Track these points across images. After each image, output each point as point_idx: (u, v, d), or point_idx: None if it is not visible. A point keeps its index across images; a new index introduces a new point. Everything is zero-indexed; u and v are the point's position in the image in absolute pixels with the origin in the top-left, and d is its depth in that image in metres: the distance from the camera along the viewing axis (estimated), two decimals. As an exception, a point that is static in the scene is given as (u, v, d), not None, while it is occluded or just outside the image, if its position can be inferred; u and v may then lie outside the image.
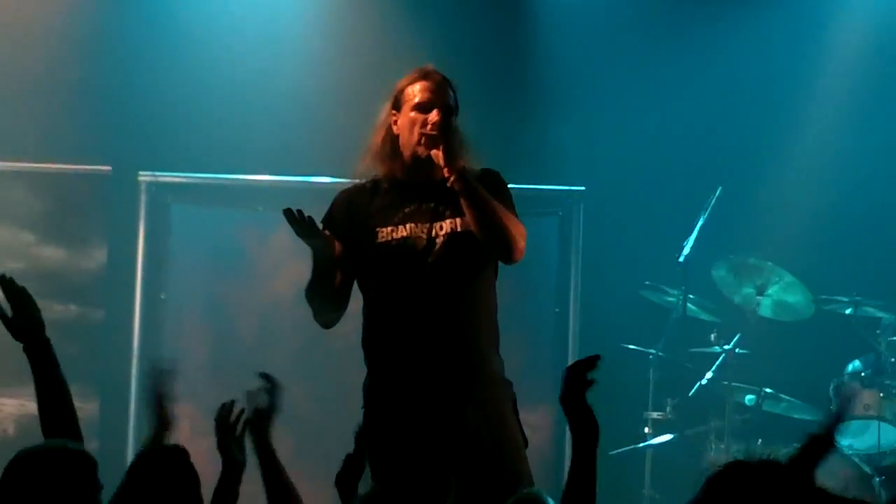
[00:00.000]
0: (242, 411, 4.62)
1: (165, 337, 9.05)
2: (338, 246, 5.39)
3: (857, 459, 8.26)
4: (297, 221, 5.16)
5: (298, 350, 8.39)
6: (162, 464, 4.28)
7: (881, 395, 8.53)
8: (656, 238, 8.99)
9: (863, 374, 8.63)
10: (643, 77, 9.54)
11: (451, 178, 5.20)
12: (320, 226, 5.33)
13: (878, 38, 9.56)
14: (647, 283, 8.85)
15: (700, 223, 8.70)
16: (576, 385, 4.11)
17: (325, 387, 8.22)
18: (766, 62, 9.54)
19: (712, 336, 8.73)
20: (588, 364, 4.11)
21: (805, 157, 9.56)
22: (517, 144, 9.11)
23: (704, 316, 8.83)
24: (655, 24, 9.60)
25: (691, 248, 8.65)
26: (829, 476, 7.92)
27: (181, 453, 4.27)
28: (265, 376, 4.74)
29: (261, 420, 4.69)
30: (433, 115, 5.31)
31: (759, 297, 8.77)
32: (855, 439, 8.48)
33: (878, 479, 8.23)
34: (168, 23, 9.32)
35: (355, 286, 5.46)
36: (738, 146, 9.48)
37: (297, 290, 5.50)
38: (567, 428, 8.96)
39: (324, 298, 5.40)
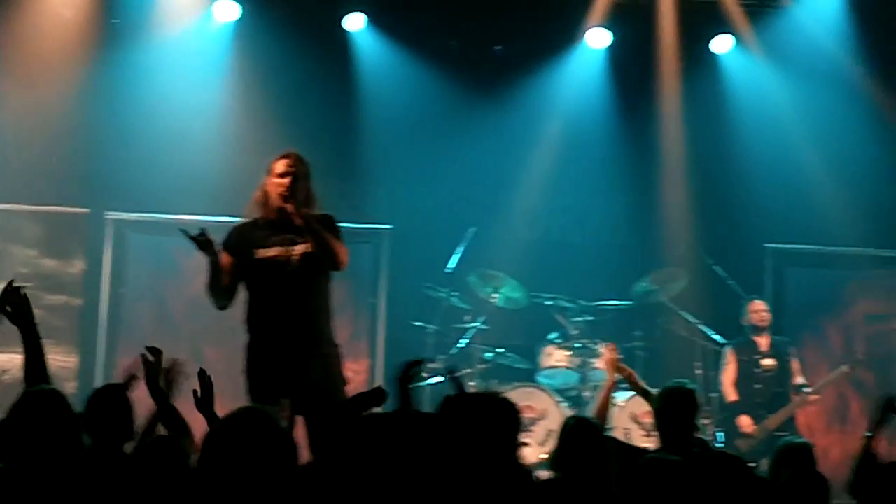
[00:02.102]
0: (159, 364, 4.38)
1: (123, 316, 8.93)
2: (225, 258, 5.43)
3: (552, 392, 8.36)
4: (195, 240, 5.31)
5: (207, 324, 8.17)
6: (105, 395, 4.21)
7: (568, 353, 8.60)
8: (434, 258, 8.93)
9: (557, 340, 8.68)
10: (429, 154, 9.37)
11: (298, 221, 5.38)
12: (220, 247, 5.42)
13: (567, 130, 9.49)
14: (427, 285, 8.78)
15: (461, 249, 8.79)
16: (406, 376, 3.98)
17: (224, 347, 7.82)
18: (502, 145, 9.46)
19: (467, 318, 8.73)
20: (416, 363, 4.08)
21: (524, 207, 9.57)
22: (348, 197, 9.04)
23: (463, 305, 8.77)
24: (438, 119, 9.40)
25: (455, 264, 8.77)
26: (537, 402, 8.40)
27: (122, 388, 4.27)
28: (152, 349, 4.46)
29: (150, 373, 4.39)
30: (286, 182, 5.43)
31: (495, 294, 8.73)
32: (552, 380, 8.59)
33: (565, 403, 8.32)
34: (127, 116, 9.00)
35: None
36: (483, 201, 9.44)
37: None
38: (373, 369, 9.19)
39: (215, 293, 5.45)
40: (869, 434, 4.82)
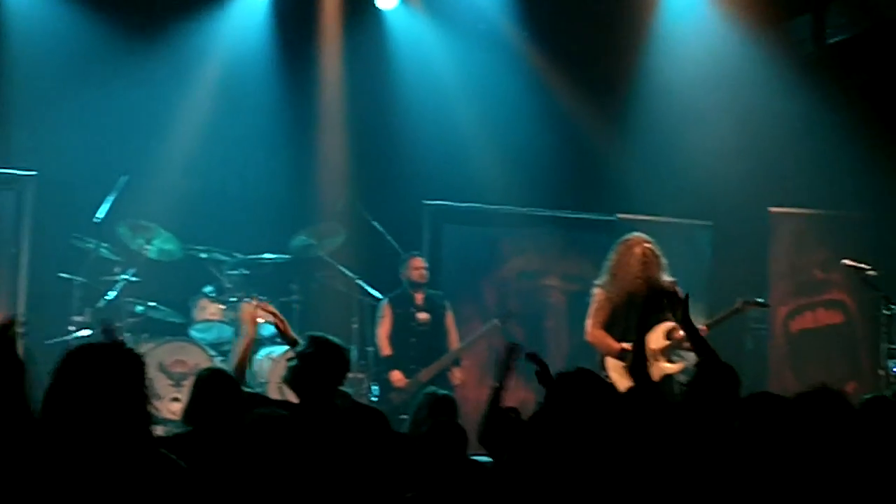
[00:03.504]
0: None
1: None
2: None
3: (205, 346, 8.41)
4: None
5: None
6: None
7: (222, 307, 8.67)
8: (82, 206, 8.65)
9: (211, 294, 8.75)
10: (78, 98, 9.01)
11: None
12: None
13: (228, 79, 9.42)
14: (74, 235, 8.56)
15: (111, 198, 8.58)
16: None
17: None
18: (158, 91, 9.23)
19: (116, 269, 8.60)
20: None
21: (180, 156, 9.37)
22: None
23: (112, 257, 8.62)
24: (89, 61, 9.08)
25: (105, 213, 8.57)
26: (189, 356, 8.38)
27: None
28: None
29: None
30: None
31: (147, 246, 8.66)
32: (206, 334, 8.66)
33: (219, 358, 8.30)
34: None
35: None
36: (137, 148, 9.13)
37: None
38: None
39: None
40: (496, 384, 5.08)
